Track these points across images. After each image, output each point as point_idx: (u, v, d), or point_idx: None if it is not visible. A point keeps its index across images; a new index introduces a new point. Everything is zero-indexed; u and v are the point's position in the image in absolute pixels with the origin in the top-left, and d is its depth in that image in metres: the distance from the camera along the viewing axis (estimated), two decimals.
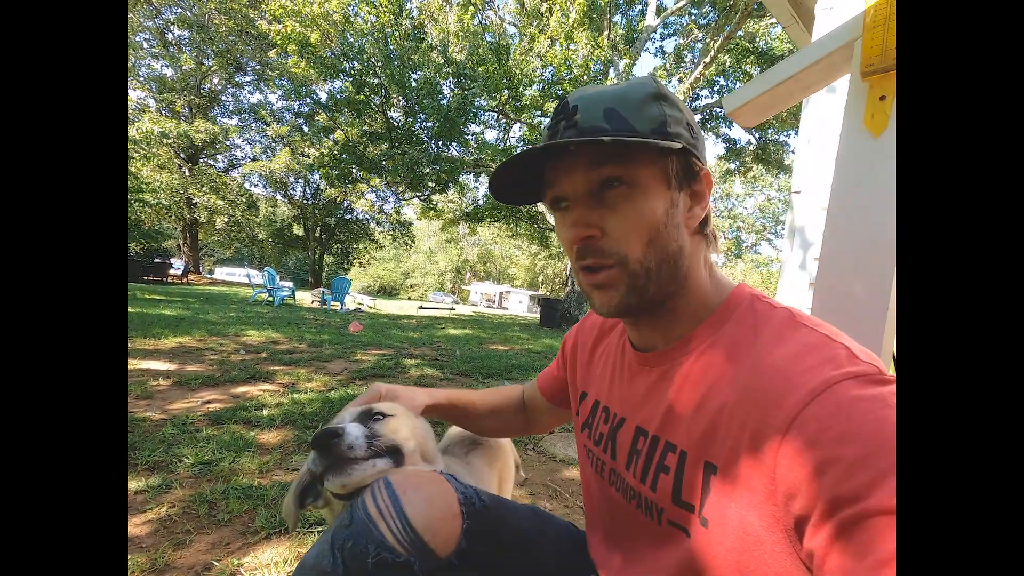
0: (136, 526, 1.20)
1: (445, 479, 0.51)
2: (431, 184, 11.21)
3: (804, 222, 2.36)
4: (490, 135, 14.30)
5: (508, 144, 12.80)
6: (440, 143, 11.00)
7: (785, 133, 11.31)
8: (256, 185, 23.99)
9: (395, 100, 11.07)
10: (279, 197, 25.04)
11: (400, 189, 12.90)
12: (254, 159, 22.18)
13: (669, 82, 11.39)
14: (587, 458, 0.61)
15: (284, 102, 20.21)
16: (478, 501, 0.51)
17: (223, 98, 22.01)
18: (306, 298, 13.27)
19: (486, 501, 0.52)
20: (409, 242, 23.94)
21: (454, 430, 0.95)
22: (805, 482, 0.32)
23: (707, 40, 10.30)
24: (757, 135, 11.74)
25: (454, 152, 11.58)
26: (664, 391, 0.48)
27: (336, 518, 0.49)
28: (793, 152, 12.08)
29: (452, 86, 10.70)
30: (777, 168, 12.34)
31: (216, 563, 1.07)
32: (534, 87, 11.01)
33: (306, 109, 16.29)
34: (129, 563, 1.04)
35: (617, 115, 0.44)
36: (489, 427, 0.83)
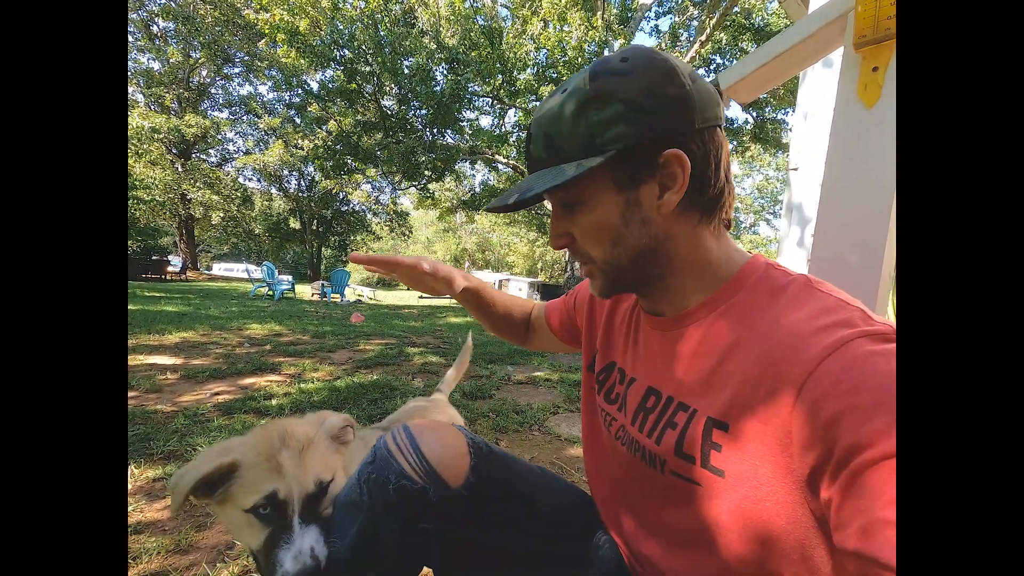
0: (157, 511, 1.24)
1: (456, 428, 0.57)
2: (427, 173, 11.14)
3: (802, 199, 2.37)
4: (485, 121, 14.12)
5: (504, 130, 12.67)
6: (435, 131, 10.89)
7: (783, 111, 11.20)
8: (250, 179, 23.84)
9: (388, 88, 10.92)
10: (274, 191, 24.89)
11: (396, 179, 12.82)
12: (247, 153, 22.00)
13: None
14: (597, 415, 0.63)
15: (275, 93, 19.90)
16: (485, 447, 0.57)
17: (213, 91, 21.70)
18: (306, 291, 13.30)
19: (493, 449, 0.58)
20: (407, 232, 23.85)
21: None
22: (820, 433, 0.33)
23: (703, 18, 10.13)
24: (755, 114, 11.63)
25: (449, 139, 11.47)
26: (678, 354, 0.49)
27: (363, 458, 0.55)
28: (791, 130, 11.99)
29: (445, 72, 10.54)
30: (775, 147, 12.25)
31: (237, 542, 1.12)
32: (528, 71, 10.85)
33: (297, 100, 16.07)
34: (154, 544, 1.08)
35: (551, 141, 0.46)
36: (499, 326, 0.91)
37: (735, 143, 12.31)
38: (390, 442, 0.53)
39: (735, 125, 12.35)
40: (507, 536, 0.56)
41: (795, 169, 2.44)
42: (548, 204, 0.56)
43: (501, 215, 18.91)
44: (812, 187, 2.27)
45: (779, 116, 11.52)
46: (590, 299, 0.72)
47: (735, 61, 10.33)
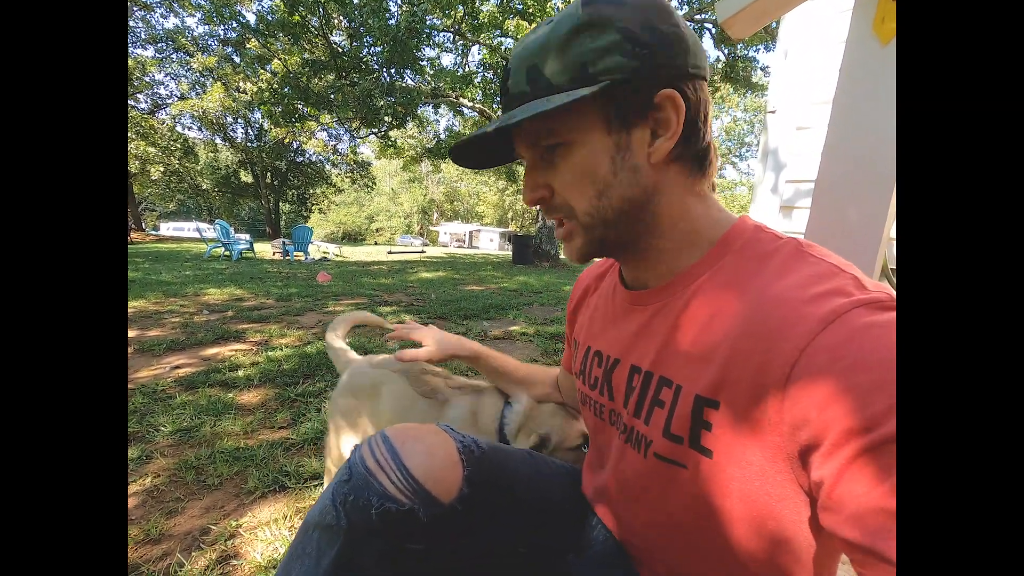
0: None
1: (442, 429, 0.52)
2: (387, 119, 10.37)
3: (778, 143, 2.33)
4: (447, 60, 13.17)
5: (468, 69, 11.83)
6: (392, 71, 10.01)
7: (755, 48, 10.90)
8: (190, 128, 21.59)
9: (336, 21, 9.84)
10: (219, 140, 22.73)
11: (353, 126, 11.93)
12: (182, 97, 19.70)
13: None
14: (584, 404, 0.61)
15: (206, 27, 17.60)
16: (476, 449, 0.52)
17: (131, 24, 18.95)
18: (266, 250, 12.65)
19: (484, 448, 0.53)
20: (370, 184, 22.74)
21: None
22: (816, 412, 0.31)
23: None
24: (726, 51, 11.26)
25: (409, 81, 10.63)
26: (658, 328, 0.46)
27: (335, 475, 0.50)
28: (762, 69, 11.76)
29: (399, 2, 9.54)
30: (745, 86, 12.05)
31: (213, 527, 1.07)
32: (492, 1, 9.97)
33: (234, 35, 14.32)
34: None
35: (537, 73, 0.42)
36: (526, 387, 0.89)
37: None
38: (368, 457, 0.46)
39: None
40: (500, 535, 0.53)
41: (773, 112, 2.37)
42: (521, 157, 0.50)
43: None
44: (789, 131, 2.23)
45: (750, 53, 11.22)
46: (571, 309, 0.69)
47: None
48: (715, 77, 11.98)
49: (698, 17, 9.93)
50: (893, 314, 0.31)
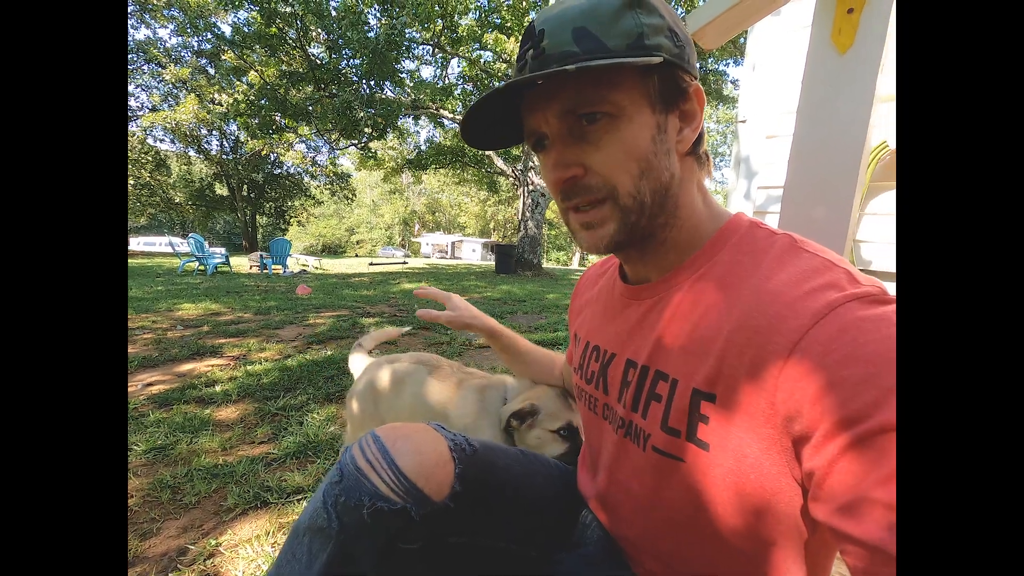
0: None
1: (433, 428, 0.52)
2: (367, 130, 10.32)
3: (749, 151, 2.42)
4: (426, 72, 13.23)
5: (448, 82, 11.93)
6: (372, 83, 10.01)
7: (724, 63, 11.33)
8: (161, 140, 21.02)
9: (314, 33, 9.80)
10: (192, 153, 22.20)
11: (333, 137, 11.83)
12: (153, 109, 19.22)
13: None
14: (580, 398, 0.61)
15: (179, 38, 17.28)
16: (468, 447, 0.52)
17: None
18: (243, 264, 12.34)
19: (476, 446, 0.53)
20: (350, 196, 22.50)
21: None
22: (809, 403, 0.32)
23: None
24: (699, 65, 11.67)
25: (389, 93, 10.63)
26: (655, 321, 0.47)
27: (327, 476, 0.50)
28: (732, 83, 12.21)
29: (378, 15, 9.59)
30: (717, 99, 12.49)
31: (191, 546, 1.03)
32: (470, 15, 10.12)
33: (208, 47, 14.11)
34: None
35: (587, 34, 0.39)
36: (534, 373, 0.95)
37: None
38: (359, 457, 0.46)
39: None
40: (492, 532, 0.53)
41: (743, 121, 2.47)
42: (538, 131, 0.45)
43: (448, 173, 18.06)
44: (759, 139, 2.32)
45: (720, 67, 11.66)
46: (575, 304, 0.70)
47: (679, 7, 10.17)
48: None
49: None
50: (885, 308, 0.33)
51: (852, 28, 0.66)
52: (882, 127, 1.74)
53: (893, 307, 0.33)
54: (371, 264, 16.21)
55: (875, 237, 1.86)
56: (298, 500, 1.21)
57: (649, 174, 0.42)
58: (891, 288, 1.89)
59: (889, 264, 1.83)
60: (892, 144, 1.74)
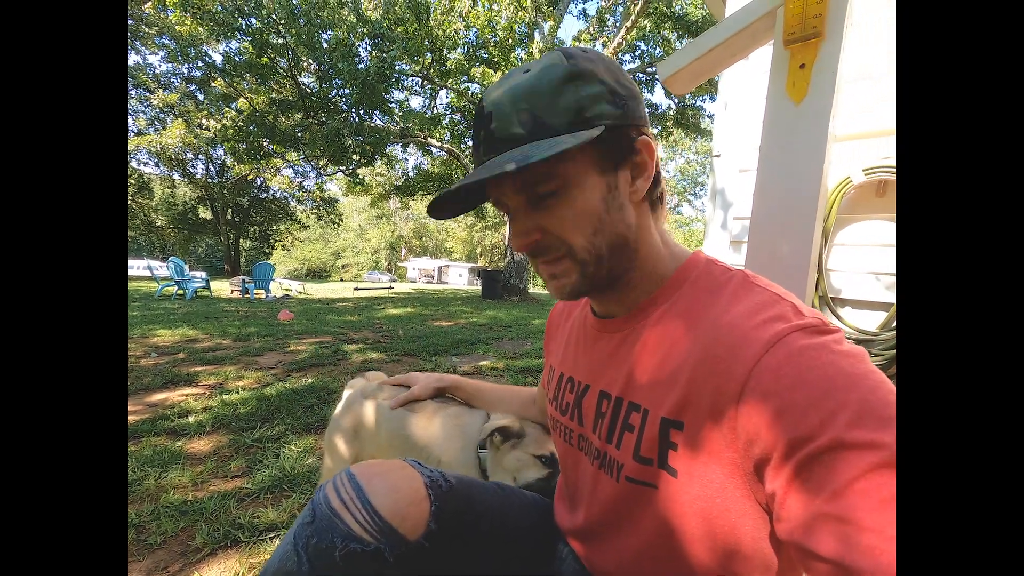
0: None
1: (409, 464, 0.52)
2: (355, 157, 10.44)
3: (724, 183, 2.53)
4: (415, 102, 13.55)
5: (436, 112, 12.22)
6: (361, 111, 10.20)
7: (701, 98, 11.93)
8: (146, 163, 20.86)
9: (305, 64, 10.01)
10: (177, 176, 22.02)
11: (321, 163, 11.91)
12: (139, 133, 19.15)
13: (593, 46, 11.39)
14: (555, 429, 0.62)
15: (170, 65, 17.43)
16: (444, 483, 0.51)
17: None
18: (224, 288, 12.10)
19: (452, 482, 0.53)
20: (336, 220, 22.44)
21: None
22: (764, 428, 0.34)
23: (627, 3, 10.39)
24: (676, 100, 12.25)
25: (378, 122, 10.83)
26: (626, 354, 0.49)
27: (299, 516, 0.48)
28: (709, 117, 12.81)
29: (369, 48, 9.87)
30: (695, 132, 13.06)
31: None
32: (459, 50, 10.50)
33: (198, 74, 14.25)
34: None
35: (531, 116, 0.42)
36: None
37: (659, 128, 12.95)
38: (333, 497, 0.45)
39: (660, 111, 12.96)
40: (470, 569, 0.52)
41: (718, 156, 2.59)
42: (498, 202, 0.49)
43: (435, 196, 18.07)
44: (733, 172, 2.43)
45: (698, 102, 12.26)
46: (549, 336, 0.72)
47: (658, 48, 10.74)
48: (667, 123, 12.94)
49: (649, 70, 10.82)
50: (825, 337, 0.36)
51: (805, 81, 0.72)
52: (845, 163, 1.85)
53: (833, 336, 0.36)
54: (356, 289, 16.05)
55: (844, 267, 1.94)
56: (271, 538, 1.16)
57: (603, 230, 0.45)
58: (858, 316, 1.94)
59: (857, 292, 1.91)
60: (855, 179, 1.84)
